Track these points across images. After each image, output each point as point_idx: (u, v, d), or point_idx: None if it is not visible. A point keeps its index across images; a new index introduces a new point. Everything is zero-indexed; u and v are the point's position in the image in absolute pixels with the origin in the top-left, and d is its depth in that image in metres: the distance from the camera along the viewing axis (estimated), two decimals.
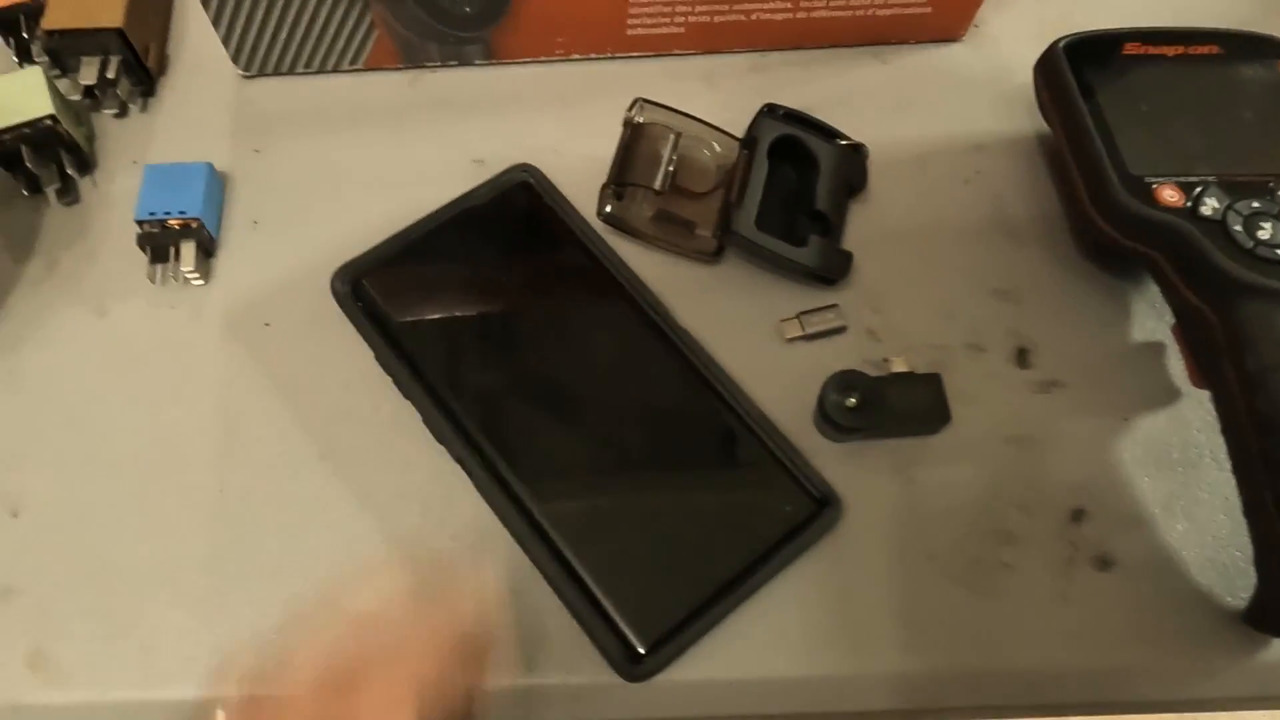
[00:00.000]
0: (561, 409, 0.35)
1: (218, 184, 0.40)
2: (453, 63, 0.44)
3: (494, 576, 0.33)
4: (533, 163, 0.41)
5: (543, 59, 0.45)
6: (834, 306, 0.39)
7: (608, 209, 0.39)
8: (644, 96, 0.41)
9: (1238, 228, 0.34)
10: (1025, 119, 0.43)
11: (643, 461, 0.35)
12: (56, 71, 0.41)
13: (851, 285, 0.40)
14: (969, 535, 0.35)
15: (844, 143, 0.41)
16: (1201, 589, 0.34)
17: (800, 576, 0.34)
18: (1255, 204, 0.35)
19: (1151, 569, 0.35)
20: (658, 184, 0.39)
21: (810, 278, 0.39)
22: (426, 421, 0.35)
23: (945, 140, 0.44)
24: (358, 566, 0.34)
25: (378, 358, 0.36)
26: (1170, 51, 0.39)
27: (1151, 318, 0.39)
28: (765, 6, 0.43)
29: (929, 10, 0.44)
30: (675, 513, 0.34)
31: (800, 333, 0.38)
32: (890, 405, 0.36)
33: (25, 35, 0.42)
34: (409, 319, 0.37)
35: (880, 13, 0.44)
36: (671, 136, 0.40)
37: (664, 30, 0.43)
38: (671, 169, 0.39)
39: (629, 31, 0.43)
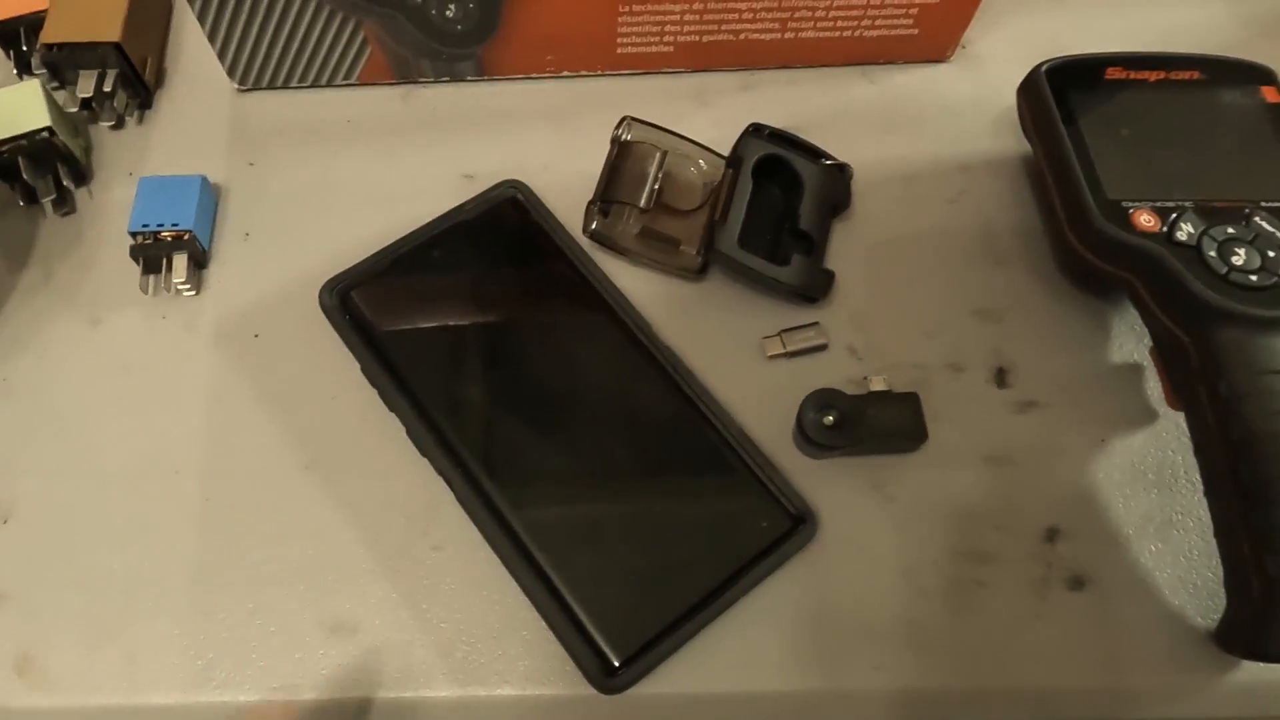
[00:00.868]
0: (543, 423, 0.36)
1: (211, 197, 0.41)
2: (445, 78, 0.45)
3: None
4: (523, 178, 0.42)
5: (534, 76, 0.45)
6: (815, 324, 0.39)
7: (593, 226, 0.40)
8: (633, 114, 0.42)
9: (1212, 253, 0.34)
10: (1011, 140, 0.44)
11: (622, 475, 0.35)
12: (55, 84, 0.42)
13: (834, 303, 0.40)
14: (944, 553, 0.35)
15: (828, 163, 0.41)
16: (1174, 609, 0.35)
17: (776, 591, 0.35)
18: (1230, 230, 0.35)
19: (1124, 589, 0.35)
20: (642, 202, 0.39)
21: (793, 296, 0.39)
22: (410, 434, 0.35)
23: (931, 160, 0.44)
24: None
25: (364, 370, 0.37)
26: (1152, 77, 0.40)
27: (1131, 339, 0.40)
28: (754, 27, 0.43)
29: (915, 32, 0.44)
30: (653, 527, 0.34)
31: (782, 350, 0.39)
32: (868, 424, 0.36)
33: (25, 48, 0.42)
34: (395, 332, 0.37)
35: (867, 34, 0.44)
36: (658, 155, 0.40)
37: (654, 49, 0.44)
38: (657, 187, 0.40)
39: (619, 50, 0.44)
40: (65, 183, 0.40)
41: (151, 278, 0.39)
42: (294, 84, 0.44)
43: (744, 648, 0.34)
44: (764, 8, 0.42)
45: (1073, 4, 0.49)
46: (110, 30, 0.41)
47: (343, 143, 0.44)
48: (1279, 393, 0.32)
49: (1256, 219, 0.35)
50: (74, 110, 0.42)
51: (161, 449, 0.37)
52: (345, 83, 0.45)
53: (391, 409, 0.36)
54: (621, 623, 0.32)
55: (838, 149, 0.43)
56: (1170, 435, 0.38)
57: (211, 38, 0.41)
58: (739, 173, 0.39)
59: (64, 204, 0.41)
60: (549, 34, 0.43)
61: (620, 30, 0.43)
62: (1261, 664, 0.33)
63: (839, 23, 0.44)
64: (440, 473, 0.35)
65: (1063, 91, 0.39)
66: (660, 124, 0.42)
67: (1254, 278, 0.34)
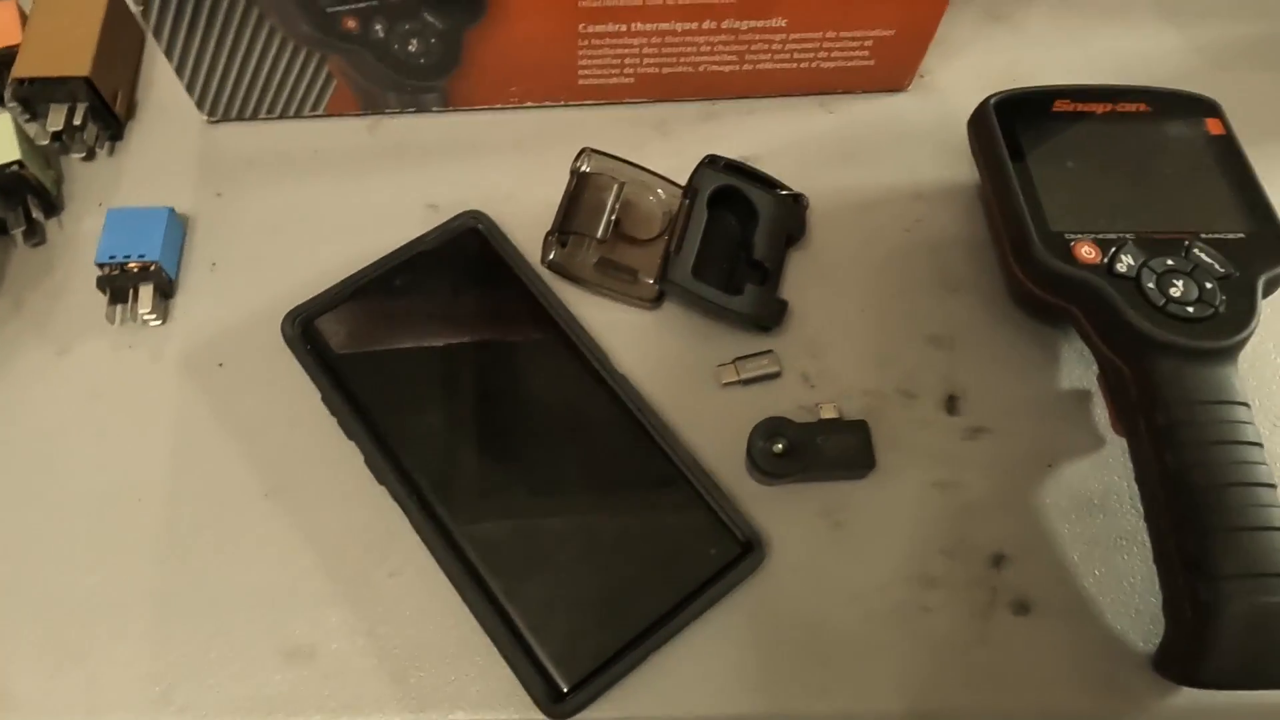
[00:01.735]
0: (498, 450, 0.36)
1: (178, 227, 0.42)
2: (411, 110, 0.46)
3: None
4: (486, 208, 0.43)
5: (498, 106, 0.46)
6: (769, 352, 0.40)
7: (551, 256, 0.40)
8: (594, 145, 0.43)
9: (1151, 285, 0.35)
10: (966, 169, 0.45)
11: (574, 503, 0.36)
12: (27, 116, 0.43)
13: (789, 332, 0.41)
14: (892, 579, 0.36)
15: (784, 193, 0.42)
16: (1115, 633, 0.35)
17: (725, 617, 0.35)
18: (1170, 261, 0.36)
19: (1068, 614, 0.36)
20: (599, 233, 0.40)
21: (746, 325, 0.40)
22: (368, 462, 0.36)
23: (887, 189, 0.45)
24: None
25: (324, 399, 0.37)
26: (1099, 109, 0.40)
27: (1079, 366, 0.40)
28: (712, 58, 0.44)
29: (872, 63, 0.45)
30: (604, 553, 0.35)
31: (736, 378, 0.39)
32: (817, 451, 0.37)
33: None
34: (354, 361, 0.38)
35: (825, 65, 0.45)
36: (615, 186, 0.41)
37: (615, 80, 0.45)
38: (614, 217, 0.41)
39: (581, 81, 0.45)
40: (35, 214, 0.41)
41: (118, 308, 0.40)
42: (262, 115, 0.45)
43: (692, 672, 0.34)
44: (722, 40, 0.43)
45: (1030, 35, 0.50)
46: (80, 65, 0.42)
47: (310, 173, 0.45)
48: (1214, 423, 0.33)
49: (1196, 250, 0.36)
50: (45, 143, 0.43)
51: (125, 476, 0.37)
52: (313, 114, 0.45)
53: (350, 437, 0.37)
54: (570, 648, 0.33)
55: (795, 178, 0.44)
56: (1116, 461, 0.38)
57: (179, 71, 0.42)
58: (694, 203, 0.40)
59: (34, 235, 0.42)
60: (511, 66, 0.44)
61: (581, 62, 0.44)
62: (1196, 690, 0.34)
63: (796, 54, 0.44)
64: (397, 500, 0.36)
65: (1011, 124, 0.40)
66: (621, 154, 0.43)
67: (1191, 309, 0.35)
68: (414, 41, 0.41)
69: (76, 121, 0.42)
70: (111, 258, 0.39)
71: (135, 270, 0.39)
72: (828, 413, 0.38)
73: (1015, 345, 0.41)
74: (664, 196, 0.42)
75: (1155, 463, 0.34)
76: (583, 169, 0.41)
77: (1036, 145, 0.39)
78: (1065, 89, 0.41)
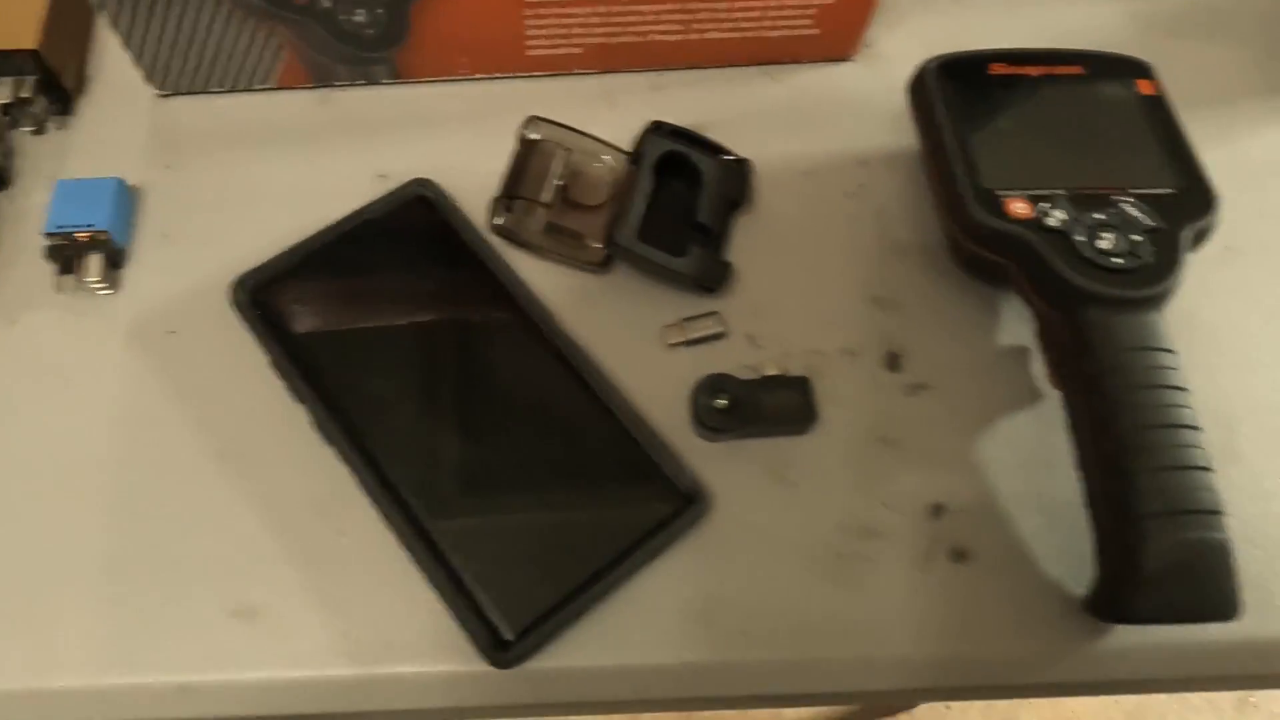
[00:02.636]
0: (443, 410, 0.37)
1: (128, 198, 0.42)
2: (361, 82, 0.46)
3: None
4: (436, 178, 0.43)
5: (448, 78, 0.47)
6: (714, 314, 0.40)
7: (498, 221, 0.41)
8: (538, 114, 0.43)
9: (1080, 238, 0.36)
10: (910, 136, 0.45)
11: (520, 458, 0.36)
12: None
13: (735, 294, 0.42)
14: (834, 530, 0.37)
15: (728, 158, 0.43)
16: (1051, 579, 0.36)
17: (671, 568, 0.36)
18: (1099, 215, 0.37)
19: (1005, 561, 0.36)
20: (546, 198, 0.41)
21: (691, 286, 0.41)
22: (315, 424, 0.37)
23: (832, 156, 0.46)
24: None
25: (272, 363, 0.38)
26: (1035, 72, 0.41)
27: (1019, 324, 0.41)
28: (658, 28, 0.45)
29: (817, 32, 0.46)
30: (548, 506, 0.35)
31: (682, 338, 0.40)
32: (760, 406, 0.38)
33: None
34: (302, 326, 0.38)
35: (769, 34, 0.46)
36: (562, 152, 0.41)
37: (563, 51, 0.45)
38: (560, 183, 0.41)
39: (529, 52, 0.45)
40: None
41: (68, 277, 0.40)
42: (213, 88, 0.45)
43: (637, 623, 0.35)
44: (667, 10, 0.44)
45: (975, 3, 0.51)
46: (27, 38, 0.42)
47: (261, 145, 0.45)
48: (1140, 369, 0.34)
49: (1124, 205, 0.37)
50: None
51: (76, 442, 0.38)
52: (264, 86, 0.46)
53: (298, 400, 0.37)
54: (515, 598, 0.34)
55: (742, 146, 0.44)
56: (1053, 415, 0.39)
57: (127, 44, 0.42)
58: (640, 168, 0.41)
59: None
60: (459, 37, 0.44)
61: (528, 33, 0.44)
62: (1127, 626, 0.35)
63: (741, 23, 0.45)
64: (345, 460, 0.36)
65: (947, 87, 0.41)
66: (568, 123, 0.44)
67: (1119, 261, 0.36)
68: (360, 12, 0.42)
69: (25, 95, 0.42)
70: (60, 227, 0.40)
71: (84, 240, 0.40)
72: (770, 370, 0.39)
73: (957, 305, 0.42)
74: (610, 163, 0.43)
75: (1085, 409, 0.34)
76: (529, 136, 0.42)
77: (972, 107, 0.40)
78: (1001, 52, 0.42)
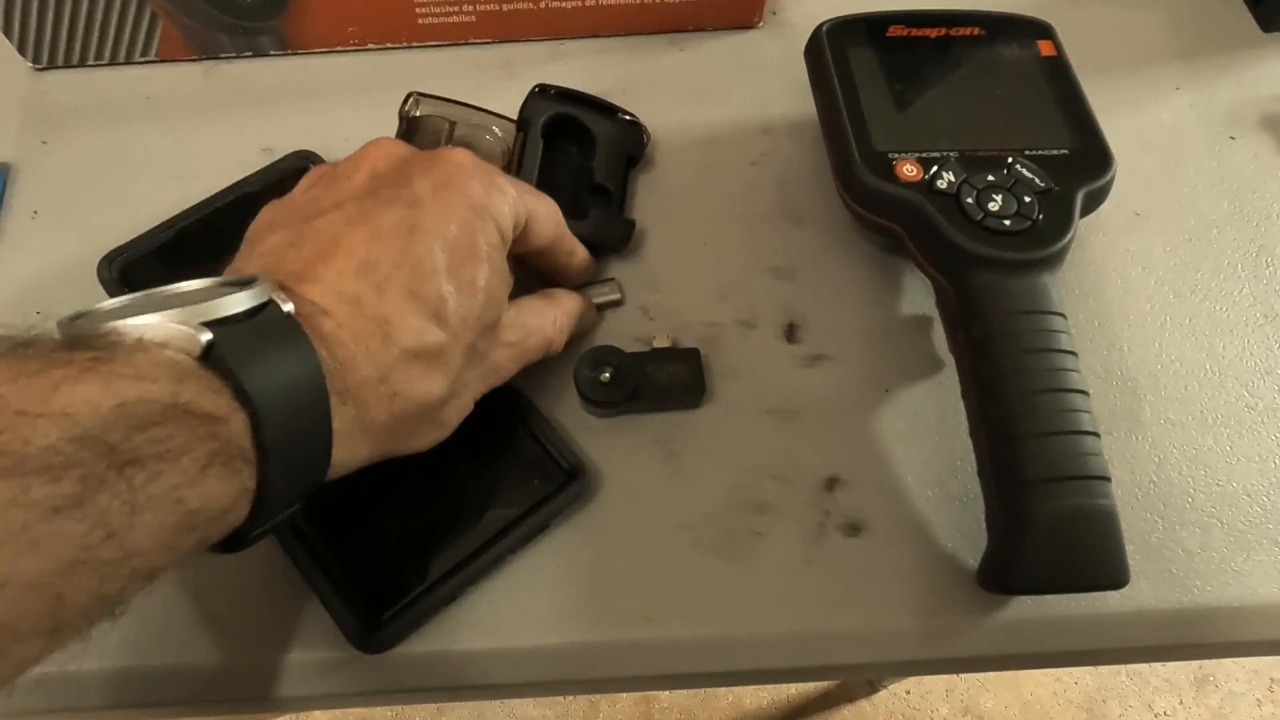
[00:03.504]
0: None
1: None
2: (247, 54, 0.45)
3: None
4: (324, 151, 0.42)
5: (338, 49, 0.45)
6: (612, 280, 0.39)
7: None
8: (427, 89, 0.42)
9: (970, 200, 0.35)
10: (812, 103, 0.44)
11: None
12: None
13: (631, 265, 0.40)
14: (723, 506, 0.36)
15: (621, 116, 0.42)
16: (946, 552, 0.35)
17: (554, 548, 0.35)
18: (990, 177, 0.36)
19: (900, 534, 0.35)
20: None
21: (596, 249, 0.39)
22: None
23: (735, 124, 0.45)
24: None
25: None
26: (933, 33, 0.40)
27: (922, 292, 0.40)
28: None
29: None
30: (421, 488, 0.34)
31: None
32: (648, 380, 0.36)
33: None
34: None
35: (671, 0, 0.45)
36: (447, 126, 0.40)
37: (455, 19, 0.44)
38: None
39: (420, 20, 0.44)
40: None
41: None
42: (91, 62, 0.44)
43: (518, 604, 0.34)
44: None
45: None
46: None
47: (141, 120, 0.43)
48: (1026, 333, 0.33)
49: (1018, 166, 0.36)
50: None
51: None
52: (145, 59, 0.44)
53: None
54: (385, 582, 0.32)
55: (645, 115, 0.43)
56: (952, 384, 0.38)
57: None
58: (528, 134, 0.40)
59: None
60: (345, 5, 0.43)
61: (418, 0, 0.43)
62: (1021, 599, 0.34)
63: None
64: None
65: (842, 50, 0.39)
66: (465, 97, 0.42)
67: (1008, 222, 0.35)
68: None
69: None
70: None
71: None
72: (661, 342, 0.38)
73: (858, 275, 0.41)
74: (500, 134, 0.41)
75: (973, 374, 0.33)
76: (412, 113, 0.40)
77: (868, 70, 0.39)
78: (899, 14, 0.40)
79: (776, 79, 0.46)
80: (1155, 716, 1.12)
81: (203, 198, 0.40)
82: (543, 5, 0.44)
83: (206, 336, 0.24)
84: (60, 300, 0.38)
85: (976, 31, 0.40)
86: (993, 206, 0.35)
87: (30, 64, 0.44)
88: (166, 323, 0.24)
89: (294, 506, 0.27)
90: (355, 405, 0.27)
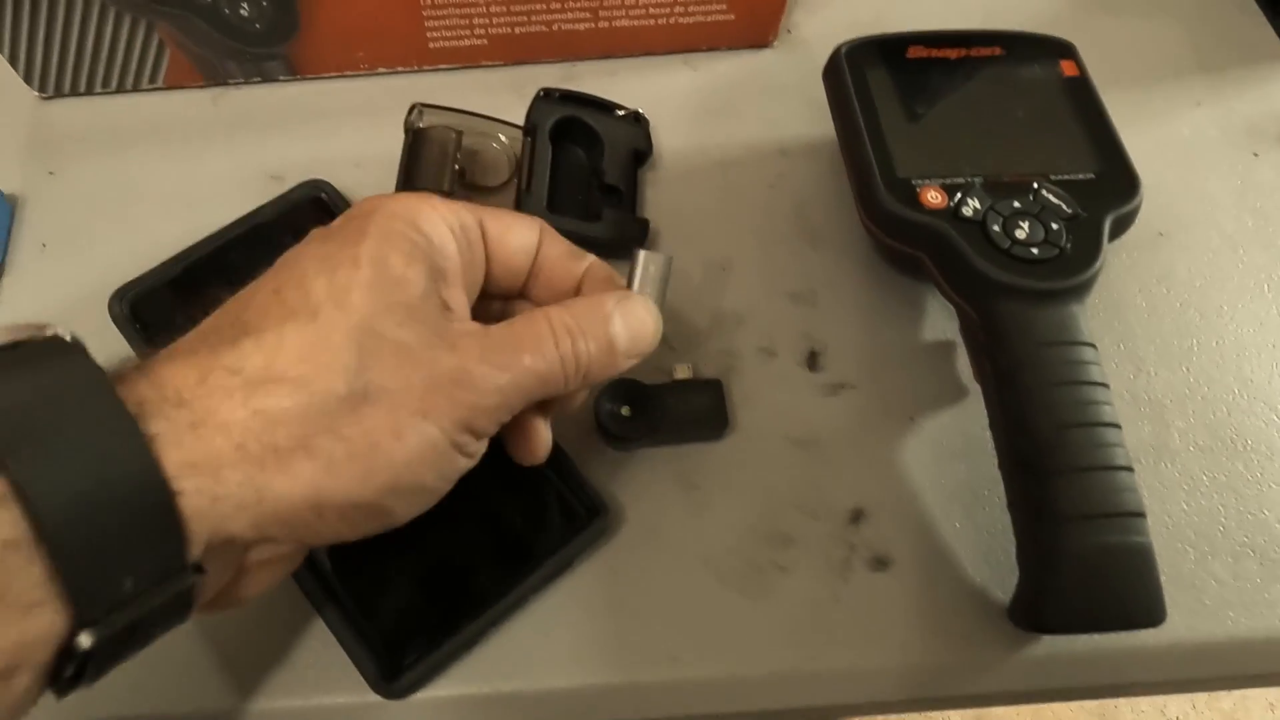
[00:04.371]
0: None
1: (5, 208, 0.40)
2: (256, 79, 0.44)
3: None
4: (334, 177, 0.41)
5: (347, 73, 0.44)
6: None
7: None
8: (422, 101, 0.41)
9: (996, 228, 0.34)
10: (829, 123, 0.44)
11: None
12: None
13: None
14: (746, 540, 0.35)
15: (622, 113, 0.41)
16: (975, 585, 0.35)
17: (575, 587, 0.34)
18: (1016, 204, 0.35)
19: (927, 567, 0.35)
20: (444, 185, 0.39)
21: (612, 252, 0.39)
22: None
23: (751, 146, 0.44)
24: None
25: None
26: (953, 54, 0.40)
27: (944, 317, 0.40)
28: (566, 17, 0.43)
29: (732, 17, 0.44)
30: (442, 530, 0.33)
31: None
32: (668, 413, 0.36)
33: None
34: None
35: (683, 20, 0.44)
36: (454, 136, 0.39)
37: (467, 42, 0.43)
38: (457, 168, 0.39)
39: (431, 44, 0.43)
40: None
41: None
42: (98, 89, 0.43)
43: (540, 645, 0.33)
44: None
45: None
46: None
47: (148, 148, 0.43)
48: (1056, 365, 0.32)
49: (1044, 192, 0.35)
50: None
51: None
52: (152, 86, 0.43)
53: None
54: (405, 625, 0.32)
55: (657, 137, 0.43)
56: (979, 411, 0.37)
57: (0, 44, 0.40)
58: (536, 139, 0.39)
59: None
60: (355, 30, 0.42)
61: (428, 24, 0.42)
62: (1053, 637, 0.33)
63: (651, 10, 0.43)
64: None
65: (862, 72, 0.39)
66: (457, 106, 0.42)
67: (1036, 250, 0.34)
68: (244, 5, 0.40)
69: None
70: None
71: None
72: (681, 373, 0.37)
73: (879, 299, 0.40)
74: (507, 141, 0.41)
75: (1001, 406, 0.33)
76: (417, 125, 0.40)
77: (889, 92, 0.38)
78: (918, 35, 0.40)
79: (792, 99, 0.45)
80: None
81: (213, 226, 0.39)
82: (555, 27, 0.43)
83: None
84: None
85: (997, 52, 0.40)
86: (1020, 234, 0.34)
87: (36, 93, 0.43)
88: None
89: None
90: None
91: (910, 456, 0.37)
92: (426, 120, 0.40)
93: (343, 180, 0.41)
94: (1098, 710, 1.13)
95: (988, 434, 0.37)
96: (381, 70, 0.44)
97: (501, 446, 0.34)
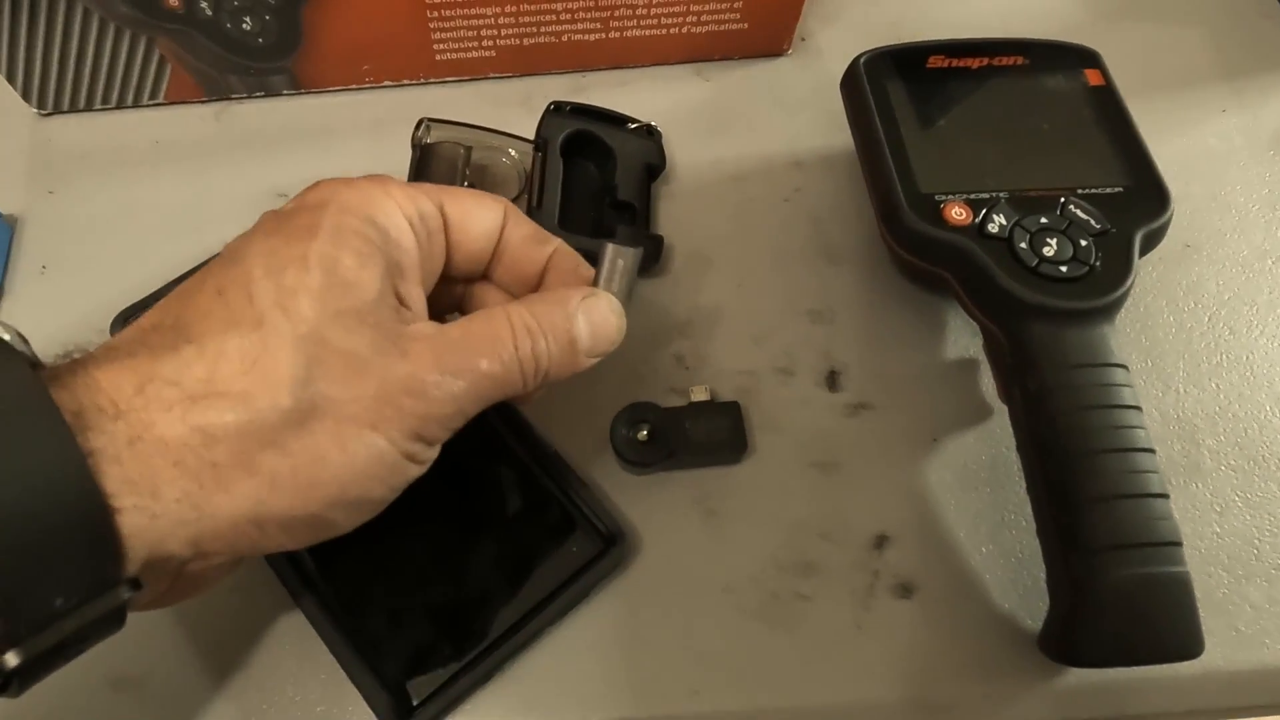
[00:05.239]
0: None
1: (4, 229, 0.39)
2: (259, 94, 0.43)
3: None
4: None
5: (353, 87, 0.43)
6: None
7: None
8: (430, 115, 0.40)
9: (1023, 245, 0.33)
10: (847, 134, 0.43)
11: (425, 512, 0.33)
12: None
13: (664, 315, 0.39)
14: (768, 567, 0.34)
15: (634, 126, 0.40)
16: (1002, 613, 0.34)
17: (592, 617, 0.33)
18: (1043, 220, 0.34)
19: (953, 594, 0.34)
20: None
21: None
22: None
23: (765, 159, 0.43)
24: None
25: None
26: (975, 64, 0.39)
27: (966, 335, 0.39)
28: (575, 27, 0.42)
29: (745, 26, 0.43)
30: (456, 560, 0.33)
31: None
32: (686, 436, 0.35)
33: None
34: None
35: (695, 30, 0.43)
36: (462, 151, 0.39)
37: (475, 54, 0.42)
38: (467, 184, 0.38)
39: (438, 57, 0.42)
40: None
41: None
42: (98, 106, 0.42)
43: (557, 677, 0.32)
44: (582, 7, 0.41)
45: None
46: None
47: (150, 166, 0.42)
48: (1086, 387, 0.31)
49: (1071, 207, 0.34)
50: None
51: None
52: (153, 102, 0.42)
53: None
54: (419, 660, 0.31)
55: (670, 149, 0.42)
56: (1004, 431, 0.36)
57: None
58: (547, 154, 0.38)
59: None
60: (359, 43, 0.41)
61: (435, 36, 0.41)
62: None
63: (663, 19, 0.42)
64: None
65: (881, 83, 0.38)
66: (467, 120, 0.41)
67: (1064, 268, 0.33)
68: (247, 19, 0.39)
69: None
70: None
71: None
72: (699, 395, 0.36)
73: (899, 317, 0.39)
74: (516, 156, 0.40)
75: (1030, 431, 0.32)
76: (425, 140, 0.39)
77: (909, 104, 0.37)
78: (939, 44, 0.39)
79: (807, 109, 0.44)
80: None
81: (218, 245, 0.38)
82: (564, 38, 0.42)
83: None
84: None
85: (1020, 61, 0.39)
86: (1048, 251, 0.33)
87: (35, 110, 0.42)
88: None
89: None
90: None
91: (934, 479, 0.36)
92: (434, 135, 0.39)
93: None
94: None
95: (1014, 455, 0.36)
96: (388, 83, 0.43)
97: (514, 479, 0.33)
